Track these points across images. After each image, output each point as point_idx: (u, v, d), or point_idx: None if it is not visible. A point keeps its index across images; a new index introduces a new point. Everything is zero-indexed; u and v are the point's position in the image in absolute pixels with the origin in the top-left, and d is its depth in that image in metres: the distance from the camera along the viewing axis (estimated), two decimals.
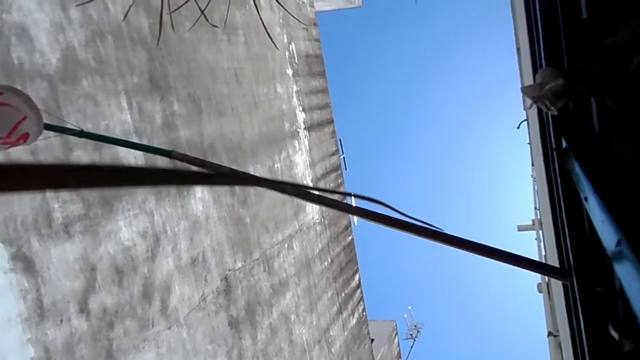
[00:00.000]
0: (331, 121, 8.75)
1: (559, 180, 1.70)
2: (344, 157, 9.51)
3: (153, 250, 3.86)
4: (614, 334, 1.32)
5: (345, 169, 9.56)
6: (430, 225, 1.44)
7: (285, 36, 7.17)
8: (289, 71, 7.17)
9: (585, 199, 1.22)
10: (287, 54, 7.17)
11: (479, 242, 1.59)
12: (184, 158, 2.22)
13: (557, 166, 1.69)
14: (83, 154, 3.28)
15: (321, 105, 8.33)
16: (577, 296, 1.54)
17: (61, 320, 2.97)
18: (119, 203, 3.57)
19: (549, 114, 1.74)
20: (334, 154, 8.72)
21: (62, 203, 3.09)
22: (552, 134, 1.77)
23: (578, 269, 1.55)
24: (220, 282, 4.76)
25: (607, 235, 0.98)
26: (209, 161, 2.20)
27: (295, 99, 7.24)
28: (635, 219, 0.95)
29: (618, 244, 0.89)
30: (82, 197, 3.24)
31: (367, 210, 1.90)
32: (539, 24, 1.77)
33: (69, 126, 3.00)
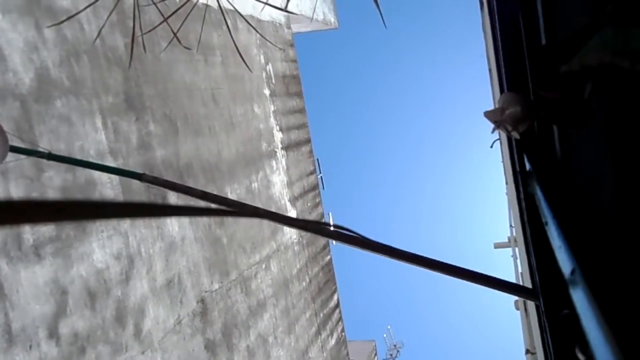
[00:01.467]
0: (308, 141, 8.79)
1: (523, 204, 1.74)
2: (321, 177, 9.54)
3: (127, 272, 3.79)
4: (581, 357, 1.34)
5: (323, 188, 9.58)
6: (402, 250, 1.47)
7: (262, 57, 7.22)
8: (266, 91, 7.20)
9: (546, 223, 1.25)
10: (264, 74, 7.21)
11: (451, 263, 1.60)
12: (155, 181, 2.20)
13: (522, 189, 1.73)
14: (55, 175, 3.22)
15: (298, 125, 8.37)
16: (545, 318, 1.56)
17: (30, 346, 2.88)
18: (92, 224, 3.50)
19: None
20: (311, 174, 8.74)
21: (33, 225, 3.02)
22: (516, 156, 1.82)
23: (545, 292, 1.57)
24: (197, 304, 4.69)
25: (563, 262, 1.00)
26: (180, 184, 2.19)
27: (272, 119, 7.26)
28: (591, 246, 0.97)
29: (572, 272, 0.91)
30: None
31: (343, 233, 1.90)
32: (501, 49, 1.83)
33: (40, 147, 2.95)
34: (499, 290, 1.57)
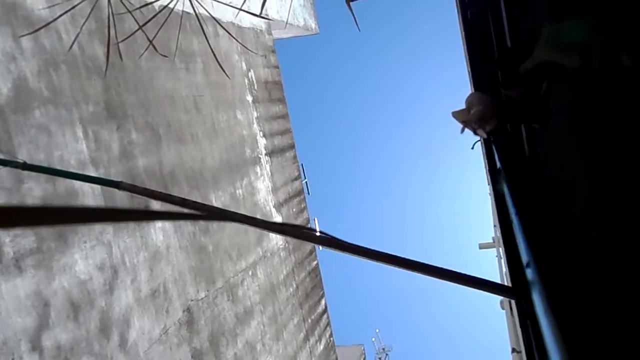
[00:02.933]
0: (292, 146, 8.79)
1: (494, 201, 1.77)
2: (306, 182, 9.54)
3: (111, 283, 3.75)
4: None
5: (308, 194, 9.59)
6: (387, 254, 1.48)
7: (244, 63, 7.22)
8: (249, 98, 7.20)
9: (511, 220, 1.27)
10: (246, 80, 7.21)
11: (430, 264, 1.62)
12: (133, 189, 2.19)
13: (492, 187, 1.76)
14: (35, 185, 3.18)
15: (282, 131, 8.37)
16: (519, 314, 1.58)
17: (13, 359, 2.83)
18: (75, 235, 3.46)
19: (491, 136, 1.81)
20: (296, 179, 8.73)
21: (13, 237, 2.98)
22: (486, 155, 1.85)
23: (517, 288, 1.59)
24: (183, 313, 4.65)
25: (522, 256, 1.02)
26: (159, 191, 2.18)
27: (255, 125, 7.26)
28: (548, 241, 0.99)
29: (527, 265, 0.92)
30: (34, 230, 3.13)
31: (330, 238, 1.90)
32: (468, 51, 1.86)
33: (18, 158, 2.91)
34: (478, 289, 1.58)
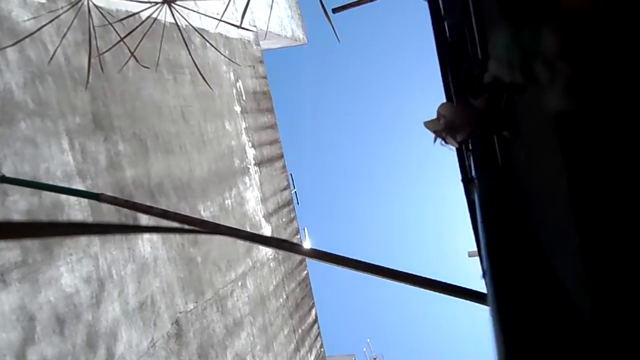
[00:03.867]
0: (281, 156, 8.79)
1: (468, 209, 1.79)
2: (295, 192, 9.54)
3: (98, 295, 3.70)
4: None
5: (298, 203, 9.58)
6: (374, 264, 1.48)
7: (232, 74, 7.23)
8: (237, 108, 7.20)
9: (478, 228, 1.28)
10: (234, 91, 7.21)
11: (406, 271, 1.62)
12: (114, 201, 2.18)
13: (466, 196, 1.77)
14: (20, 198, 3.15)
15: (271, 141, 8.37)
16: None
17: None
18: (60, 247, 3.42)
19: (469, 144, 1.82)
20: (285, 189, 8.73)
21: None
22: (460, 164, 1.86)
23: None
24: (171, 325, 4.60)
25: (484, 267, 1.03)
26: (140, 203, 2.17)
27: (244, 136, 7.25)
28: (508, 254, 0.99)
29: (483, 274, 0.93)
30: (20, 243, 3.09)
31: (318, 251, 1.90)
32: (439, 60, 1.89)
33: (4, 170, 2.88)
34: (453, 296, 1.59)
